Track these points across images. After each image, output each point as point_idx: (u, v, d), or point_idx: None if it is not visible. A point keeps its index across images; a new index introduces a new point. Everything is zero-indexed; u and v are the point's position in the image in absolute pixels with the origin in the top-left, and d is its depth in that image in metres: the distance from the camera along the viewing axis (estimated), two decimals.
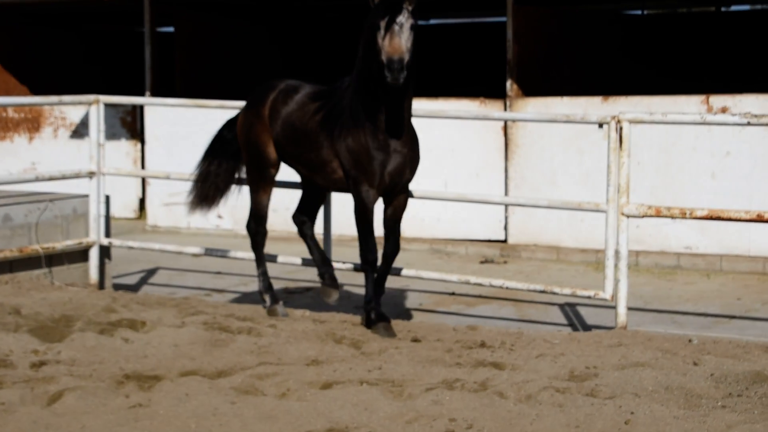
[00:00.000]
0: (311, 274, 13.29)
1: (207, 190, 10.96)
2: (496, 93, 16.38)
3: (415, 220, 14.15)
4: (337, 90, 9.70)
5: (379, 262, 9.80)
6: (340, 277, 12.80)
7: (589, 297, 10.15)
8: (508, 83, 15.67)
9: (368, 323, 9.68)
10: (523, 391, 7.65)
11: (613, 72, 20.04)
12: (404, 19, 8.74)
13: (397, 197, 9.61)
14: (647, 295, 12.29)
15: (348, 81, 9.59)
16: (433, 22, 26.71)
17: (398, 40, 8.67)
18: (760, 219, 9.61)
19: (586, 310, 11.35)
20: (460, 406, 7.33)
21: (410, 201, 9.98)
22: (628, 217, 9.78)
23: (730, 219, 9.88)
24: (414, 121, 9.56)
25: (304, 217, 10.75)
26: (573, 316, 11.25)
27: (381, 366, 8.33)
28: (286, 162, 10.23)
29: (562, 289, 10.45)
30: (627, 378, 7.95)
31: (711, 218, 9.90)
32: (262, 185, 10.41)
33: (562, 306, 11.61)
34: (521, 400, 7.50)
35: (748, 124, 9.66)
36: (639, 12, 25.02)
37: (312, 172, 9.91)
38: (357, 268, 10.69)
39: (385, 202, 9.66)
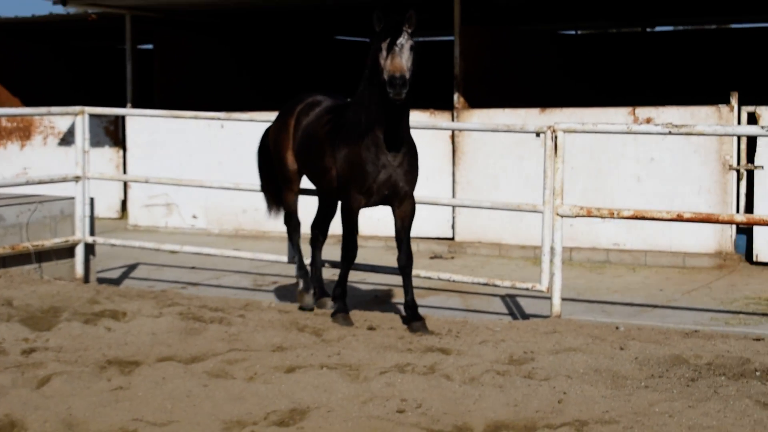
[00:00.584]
0: (278, 269, 13.30)
1: (273, 196, 10.82)
2: (445, 105, 16.41)
3: (372, 220, 14.13)
4: (346, 104, 9.62)
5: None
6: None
7: (527, 289, 10.19)
8: (455, 96, 15.70)
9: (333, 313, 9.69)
10: (467, 373, 7.68)
11: (550, 86, 20.12)
12: (404, 41, 8.67)
13: (401, 207, 9.37)
14: (580, 287, 12.34)
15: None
16: None
17: (399, 59, 8.58)
18: (680, 218, 9.69)
19: (525, 300, 11.39)
20: (410, 388, 7.35)
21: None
22: (562, 216, 9.83)
23: (653, 218, 9.97)
24: None
25: (317, 231, 10.60)
26: (513, 306, 11.29)
27: (340, 352, 8.34)
28: (302, 171, 10.09)
29: (503, 282, 10.49)
30: (560, 361, 8.00)
31: (636, 218, 9.98)
32: (287, 188, 10.29)
33: (503, 297, 11.64)
34: (466, 381, 7.54)
35: (669, 133, 9.74)
36: (573, 32, 25.15)
37: (318, 179, 9.81)
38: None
39: (393, 213, 9.47)
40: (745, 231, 13.84)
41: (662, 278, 13.04)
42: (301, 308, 10.13)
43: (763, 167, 13.40)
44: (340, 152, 9.27)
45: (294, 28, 22.80)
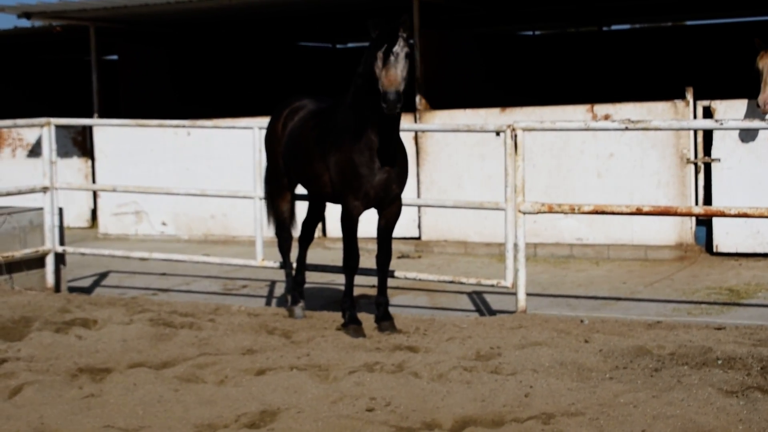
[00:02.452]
0: (247, 273, 13.24)
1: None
2: (407, 107, 16.33)
3: (339, 221, 14.07)
4: (332, 108, 9.41)
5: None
6: (273, 275, 12.79)
7: (492, 285, 10.17)
8: (417, 98, 15.67)
9: (343, 324, 9.33)
10: (435, 370, 7.65)
11: (510, 86, 20.14)
12: (400, 49, 8.39)
13: (389, 208, 9.24)
14: (544, 282, 12.34)
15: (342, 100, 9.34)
16: (350, 45, 26.68)
17: (394, 72, 8.31)
18: (639, 212, 9.70)
19: (491, 297, 11.37)
20: (379, 386, 7.32)
21: (334, 206, 9.98)
22: (524, 213, 9.81)
23: (613, 213, 9.99)
24: None
25: (306, 233, 10.37)
26: (479, 302, 11.27)
27: (309, 353, 8.29)
28: (290, 175, 9.89)
29: (469, 279, 10.47)
30: (526, 356, 7.98)
31: (597, 213, 10.00)
32: (277, 194, 10.09)
33: (469, 294, 11.62)
34: (433, 378, 7.51)
35: (626, 129, 9.75)
36: (531, 33, 25.18)
37: (308, 184, 9.64)
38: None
39: (378, 213, 9.33)
40: (705, 222, 13.88)
41: (625, 271, 13.06)
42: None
43: (719, 160, 13.45)
44: (332, 157, 9.08)
45: (258, 36, 22.72)
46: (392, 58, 8.37)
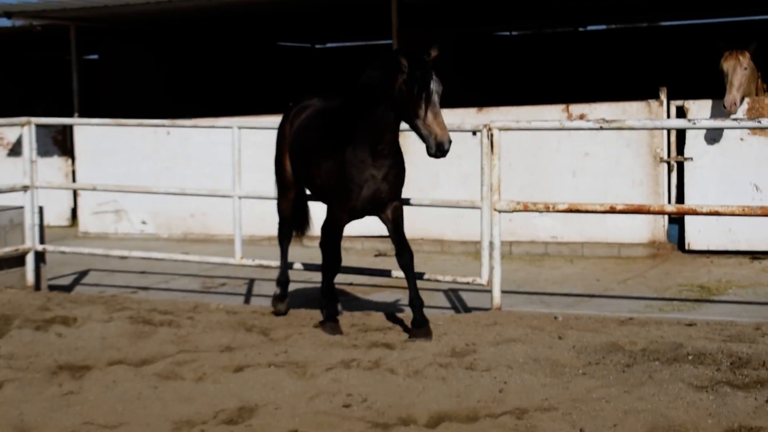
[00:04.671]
0: (227, 271, 13.25)
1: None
2: None
3: (318, 221, 14.10)
4: (334, 111, 9.09)
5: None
6: (252, 273, 12.80)
7: (468, 283, 10.22)
8: None
9: (321, 321, 9.31)
10: (411, 367, 7.70)
11: (487, 86, 20.20)
12: (437, 86, 8.32)
13: (386, 213, 9.03)
14: (519, 280, 12.40)
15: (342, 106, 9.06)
16: (329, 45, 26.69)
17: (442, 118, 8.27)
18: (613, 210, 9.75)
19: (467, 294, 11.41)
20: (356, 383, 7.36)
21: (314, 205, 9.99)
22: (499, 212, 9.86)
23: (587, 211, 10.07)
24: None
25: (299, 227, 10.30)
26: (455, 299, 11.31)
27: (287, 350, 8.33)
28: (294, 174, 9.71)
29: (445, 277, 10.50)
30: (501, 352, 8.03)
31: (571, 211, 10.05)
32: (282, 194, 9.92)
33: (445, 291, 11.66)
34: (409, 375, 7.55)
35: (601, 128, 9.81)
36: (508, 33, 25.25)
37: (309, 185, 9.53)
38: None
39: (381, 219, 9.12)
40: (678, 221, 13.97)
41: (599, 269, 13.12)
42: (275, 313, 9.93)
43: (692, 159, 13.52)
44: (324, 164, 8.94)
45: (238, 36, 22.72)
46: (435, 99, 8.30)
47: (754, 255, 13.19)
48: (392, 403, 6.95)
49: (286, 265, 10.17)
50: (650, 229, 13.90)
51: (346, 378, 7.47)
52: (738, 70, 12.73)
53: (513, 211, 10.02)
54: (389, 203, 9.00)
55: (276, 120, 15.41)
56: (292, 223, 10.13)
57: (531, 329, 8.85)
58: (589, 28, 25.42)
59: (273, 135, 10.05)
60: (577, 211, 10.03)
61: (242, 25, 21.26)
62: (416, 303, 8.92)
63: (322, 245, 9.50)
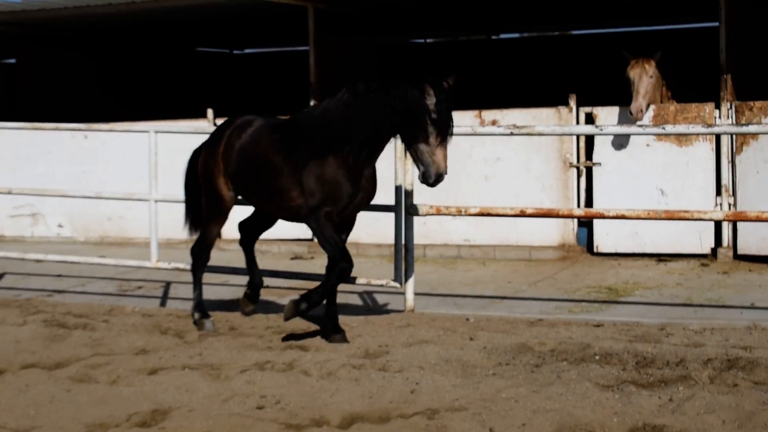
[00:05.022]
0: (143, 274, 13.10)
1: (195, 217, 10.05)
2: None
3: (235, 224, 14.01)
4: (301, 121, 8.92)
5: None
6: (168, 276, 12.67)
7: (382, 285, 10.22)
8: (311, 103, 15.67)
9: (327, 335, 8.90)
10: (324, 368, 7.67)
11: None
12: (453, 121, 8.38)
13: (349, 220, 9.10)
14: (433, 282, 12.41)
15: (314, 112, 8.92)
16: (247, 51, 26.56)
17: (447, 154, 8.32)
18: (523, 214, 9.84)
19: (381, 296, 11.40)
20: (270, 384, 7.32)
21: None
22: (413, 215, 9.88)
23: (498, 215, 10.12)
24: None
25: (250, 232, 9.94)
26: (370, 302, 11.29)
27: (201, 352, 8.25)
28: (241, 193, 9.39)
29: (360, 279, 10.48)
30: (413, 353, 8.04)
31: (483, 215, 10.12)
32: (214, 218, 9.53)
33: (360, 294, 11.63)
34: (323, 376, 7.52)
35: (512, 134, 9.89)
36: (423, 40, 25.31)
37: (267, 200, 9.09)
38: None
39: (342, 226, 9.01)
40: (587, 224, 14.10)
41: (510, 271, 13.20)
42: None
43: (600, 164, 13.67)
44: (309, 171, 8.60)
45: (156, 41, 22.50)
46: (449, 139, 8.34)
47: (660, 257, 13.38)
48: (305, 404, 6.91)
49: (201, 293, 9.74)
50: (560, 232, 14.03)
51: (261, 380, 7.42)
52: (644, 78, 12.92)
53: (426, 215, 10.05)
54: (358, 212, 9.06)
55: (196, 124, 15.39)
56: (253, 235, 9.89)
57: (443, 331, 8.88)
58: (503, 36, 25.59)
59: (192, 139, 9.94)
60: (489, 214, 10.09)
61: (162, 31, 21.07)
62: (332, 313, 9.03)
63: (336, 254, 8.74)
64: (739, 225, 13.18)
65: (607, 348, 8.02)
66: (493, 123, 14.11)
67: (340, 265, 8.60)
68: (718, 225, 13.30)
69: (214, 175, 9.39)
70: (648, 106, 13.04)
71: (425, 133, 8.21)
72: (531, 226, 13.85)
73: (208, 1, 16.08)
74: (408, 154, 9.67)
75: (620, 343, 8.27)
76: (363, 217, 14.47)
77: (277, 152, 8.87)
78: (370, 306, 11.12)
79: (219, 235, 9.90)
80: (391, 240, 10.59)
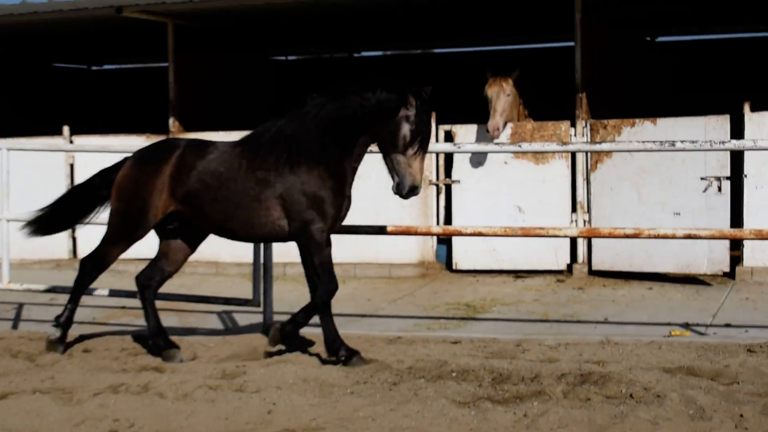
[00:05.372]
0: None
1: (53, 219, 9.40)
2: (161, 129, 16.18)
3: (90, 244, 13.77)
4: (267, 138, 8.54)
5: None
6: (20, 297, 12.35)
7: (241, 304, 10.13)
8: (171, 120, 15.51)
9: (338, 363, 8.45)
10: (180, 390, 7.56)
11: (264, 109, 20.13)
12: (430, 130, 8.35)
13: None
14: (293, 300, 12.29)
15: (279, 127, 8.58)
16: (106, 67, 26.13)
17: (423, 166, 8.31)
18: (382, 232, 9.88)
19: (240, 315, 11.31)
20: (123, 408, 7.18)
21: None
22: None
23: (357, 232, 10.12)
24: (86, 156, 9.21)
25: (151, 278, 9.26)
26: (228, 321, 11.19)
27: (53, 376, 8.05)
28: (195, 218, 8.75)
29: (219, 299, 10.39)
30: (271, 373, 7.98)
31: (341, 232, 10.08)
32: (125, 241, 8.89)
33: (219, 314, 11.52)
34: (179, 398, 7.41)
35: (371, 151, 9.92)
36: (284, 57, 25.25)
37: (235, 223, 8.57)
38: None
39: None
40: (446, 241, 14.23)
41: (370, 289, 13.24)
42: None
43: (459, 181, 13.82)
44: (292, 186, 8.31)
45: (10, 56, 21.98)
46: (426, 152, 8.28)
47: (517, 273, 13.58)
48: (160, 427, 6.80)
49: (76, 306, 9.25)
50: (420, 249, 14.14)
51: (114, 403, 7.28)
52: (501, 96, 13.13)
53: None
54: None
55: (51, 142, 15.07)
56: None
57: (301, 349, 8.84)
58: (365, 54, 25.71)
59: (46, 156, 9.70)
60: (348, 232, 10.08)
61: (17, 46, 20.60)
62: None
63: (315, 274, 8.56)
64: (594, 241, 13.48)
65: (464, 365, 8.08)
66: None
67: (321, 299, 8.56)
68: (573, 241, 13.57)
69: (150, 196, 8.71)
70: (505, 124, 13.25)
71: (403, 143, 8.19)
72: (391, 243, 13.91)
73: (64, 16, 15.77)
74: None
75: (477, 359, 8.34)
76: None
77: (251, 171, 8.48)
78: (229, 326, 11.02)
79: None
80: (251, 258, 10.51)
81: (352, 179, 8.66)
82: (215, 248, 14.62)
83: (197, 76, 16.74)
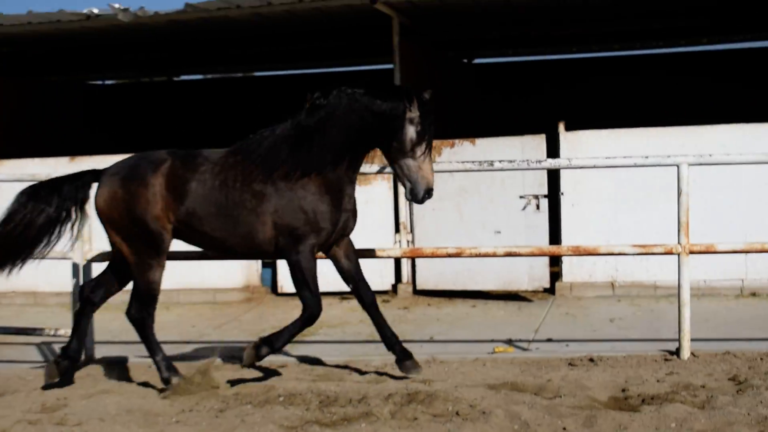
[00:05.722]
0: None
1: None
2: None
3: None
4: (263, 149, 8.27)
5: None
6: None
7: (57, 335, 9.82)
8: None
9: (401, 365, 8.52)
10: None
11: (79, 135, 19.72)
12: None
13: (342, 244, 8.63)
14: (115, 329, 12.00)
15: (269, 138, 8.31)
16: None
17: (432, 167, 8.15)
18: (204, 257, 9.74)
19: (60, 347, 10.96)
20: None
21: None
22: (90, 261, 9.63)
23: (177, 258, 9.95)
24: None
25: (98, 295, 8.89)
26: (48, 353, 10.84)
27: None
28: (180, 234, 8.52)
29: (36, 330, 10.08)
30: (93, 405, 7.80)
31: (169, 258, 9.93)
32: (155, 260, 8.48)
33: (38, 345, 11.16)
34: None
35: None
36: (101, 82, 24.81)
37: (238, 239, 8.30)
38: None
39: (335, 256, 8.68)
40: (271, 265, 14.15)
41: (195, 315, 13.07)
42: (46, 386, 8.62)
43: None
44: (292, 202, 8.13)
45: None
46: (432, 145, 8.12)
47: (343, 295, 13.59)
48: None
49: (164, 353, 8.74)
50: (244, 273, 14.03)
51: None
52: None
53: (104, 261, 9.76)
54: (349, 233, 8.66)
55: None
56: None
57: (125, 379, 8.65)
58: (184, 77, 25.47)
59: None
60: (169, 258, 9.91)
61: None
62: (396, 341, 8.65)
63: (307, 290, 8.30)
64: (418, 261, 13.63)
65: (291, 389, 8.04)
66: None
67: (311, 311, 8.24)
68: (398, 262, 13.68)
69: (150, 212, 8.32)
70: None
71: (411, 146, 8.06)
72: (215, 268, 13.75)
73: None
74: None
75: (304, 383, 8.32)
76: (41, 265, 13.97)
77: (247, 184, 8.25)
78: (48, 357, 10.68)
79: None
80: (70, 287, 10.23)
81: (353, 190, 8.48)
82: (33, 278, 14.22)
83: (9, 101, 16.27)
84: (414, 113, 8.06)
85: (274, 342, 8.24)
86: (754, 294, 12.85)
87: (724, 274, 12.96)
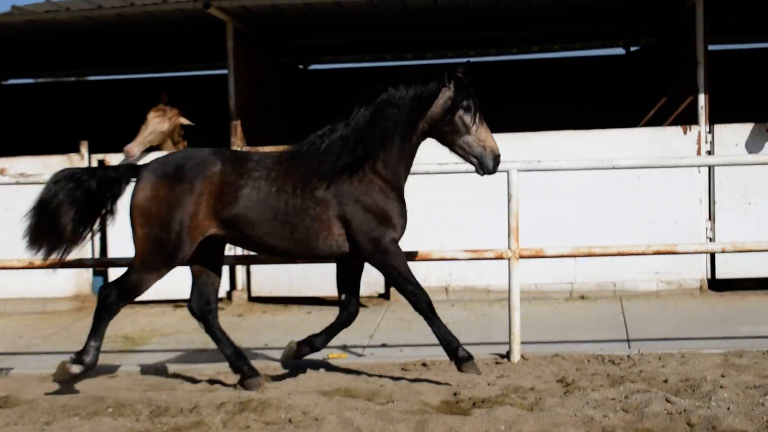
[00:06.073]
0: None
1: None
2: None
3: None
4: (321, 153, 8.18)
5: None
6: None
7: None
8: None
9: (458, 363, 8.55)
10: None
11: None
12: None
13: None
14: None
15: (332, 141, 8.21)
16: None
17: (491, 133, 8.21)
18: (32, 266, 9.50)
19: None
20: None
21: None
22: None
23: (4, 267, 9.70)
24: None
25: (204, 304, 8.70)
26: None
27: None
28: (243, 240, 8.30)
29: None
30: None
31: None
32: (163, 268, 8.20)
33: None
34: None
35: (17, 183, 9.66)
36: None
37: (290, 244, 8.23)
38: None
39: (347, 265, 8.72)
40: (103, 273, 13.87)
41: (23, 325, 12.71)
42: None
43: None
44: (355, 200, 8.13)
45: None
46: (480, 114, 8.16)
47: (176, 303, 13.42)
48: None
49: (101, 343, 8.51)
50: (75, 282, 13.72)
51: None
52: (155, 123, 13.24)
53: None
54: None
55: None
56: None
57: None
58: (11, 81, 24.75)
59: None
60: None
61: None
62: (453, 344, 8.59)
63: (408, 284, 8.35)
64: (253, 267, 13.55)
65: (121, 399, 7.87)
66: (2, 171, 13.53)
67: (425, 300, 8.37)
68: (232, 268, 13.59)
69: (191, 219, 8.07)
70: (153, 149, 13.30)
71: (462, 123, 8.15)
72: (44, 277, 13.30)
73: None
74: None
75: (135, 393, 8.17)
76: None
77: (309, 190, 8.18)
78: None
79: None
80: None
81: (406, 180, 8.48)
82: None
83: None
84: (451, 91, 8.17)
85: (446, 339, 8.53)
86: (582, 297, 13.18)
87: (555, 278, 13.25)
